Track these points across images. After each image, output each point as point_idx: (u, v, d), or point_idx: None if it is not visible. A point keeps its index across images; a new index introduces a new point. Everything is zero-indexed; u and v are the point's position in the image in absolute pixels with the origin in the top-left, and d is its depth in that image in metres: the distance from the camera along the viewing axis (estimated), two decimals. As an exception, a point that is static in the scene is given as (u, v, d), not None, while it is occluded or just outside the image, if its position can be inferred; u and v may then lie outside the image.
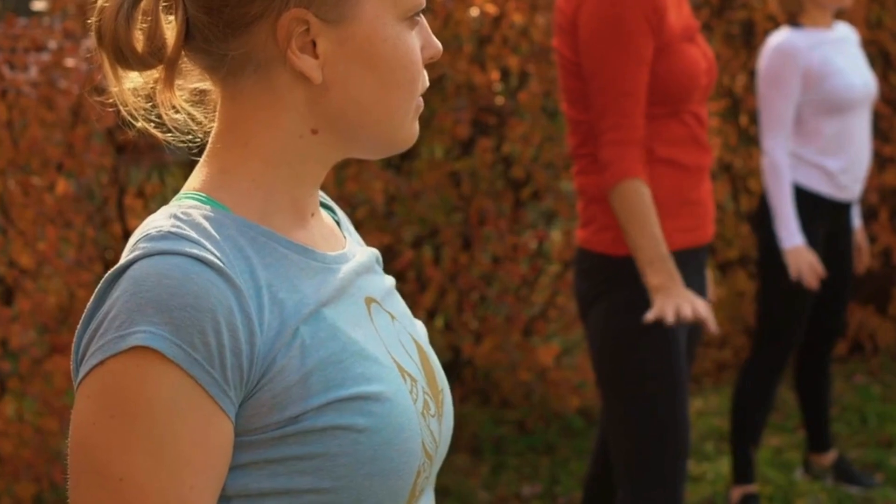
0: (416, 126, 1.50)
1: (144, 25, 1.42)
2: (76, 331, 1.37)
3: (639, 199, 3.21)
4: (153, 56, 1.43)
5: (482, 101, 5.15)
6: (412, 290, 5.17)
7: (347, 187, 4.87)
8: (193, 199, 1.42)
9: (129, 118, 1.50)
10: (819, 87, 4.48)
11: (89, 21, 1.45)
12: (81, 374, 1.33)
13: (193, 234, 1.34)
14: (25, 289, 4.48)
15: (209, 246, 1.34)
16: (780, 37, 4.53)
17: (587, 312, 3.39)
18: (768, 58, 4.49)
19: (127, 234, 5.01)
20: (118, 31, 1.41)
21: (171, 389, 1.30)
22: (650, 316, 3.23)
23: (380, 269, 1.60)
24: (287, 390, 1.35)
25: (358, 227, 4.99)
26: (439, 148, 5.23)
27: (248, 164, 1.44)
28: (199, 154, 1.51)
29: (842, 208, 4.63)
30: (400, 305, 1.58)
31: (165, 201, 5.41)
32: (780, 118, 4.45)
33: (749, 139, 5.62)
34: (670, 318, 3.21)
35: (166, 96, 1.48)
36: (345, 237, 1.56)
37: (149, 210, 5.08)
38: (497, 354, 5.29)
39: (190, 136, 1.52)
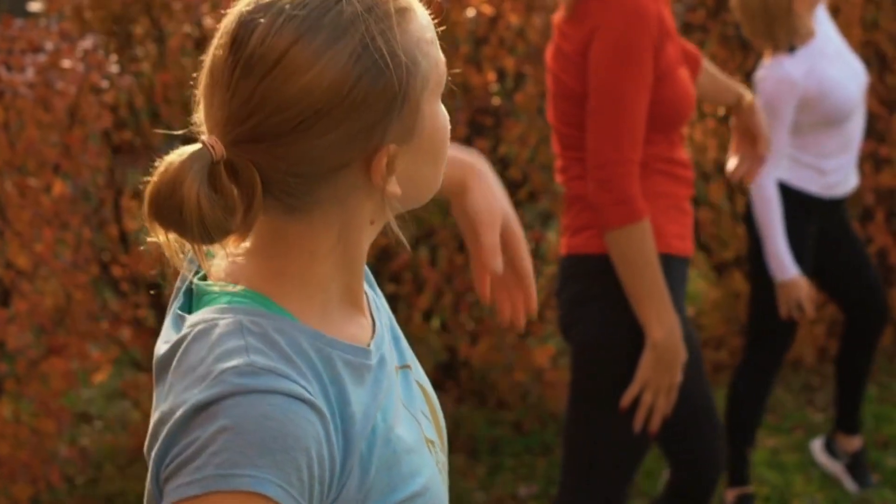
0: None
1: (224, 205, 1.43)
2: (155, 444, 1.40)
3: (645, 244, 3.15)
4: (234, 227, 1.45)
5: (478, 102, 5.15)
6: (409, 291, 5.17)
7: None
8: (251, 301, 1.45)
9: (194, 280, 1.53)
10: (819, 107, 4.49)
11: (151, 210, 1.43)
12: (174, 498, 1.37)
13: (280, 366, 1.39)
14: (22, 290, 4.48)
15: (294, 375, 1.39)
16: (775, 64, 4.51)
17: (577, 315, 3.33)
18: (765, 86, 4.48)
19: (123, 236, 5.01)
20: (204, 215, 1.41)
21: None
22: (627, 399, 3.22)
23: (383, 308, 1.65)
24: None
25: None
26: (436, 149, 5.23)
27: (312, 270, 1.48)
28: None
29: (833, 205, 4.64)
30: (407, 348, 1.65)
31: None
32: (775, 148, 4.46)
33: (745, 140, 5.62)
34: (642, 415, 3.23)
35: (229, 247, 1.50)
36: (367, 300, 1.61)
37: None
38: (493, 355, 5.29)
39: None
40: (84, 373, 5.02)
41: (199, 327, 1.42)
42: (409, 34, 1.46)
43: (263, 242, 1.49)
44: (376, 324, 1.58)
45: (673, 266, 3.28)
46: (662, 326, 3.17)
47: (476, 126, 5.22)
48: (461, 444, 5.26)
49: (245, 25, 1.42)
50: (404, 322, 5.08)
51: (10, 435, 4.40)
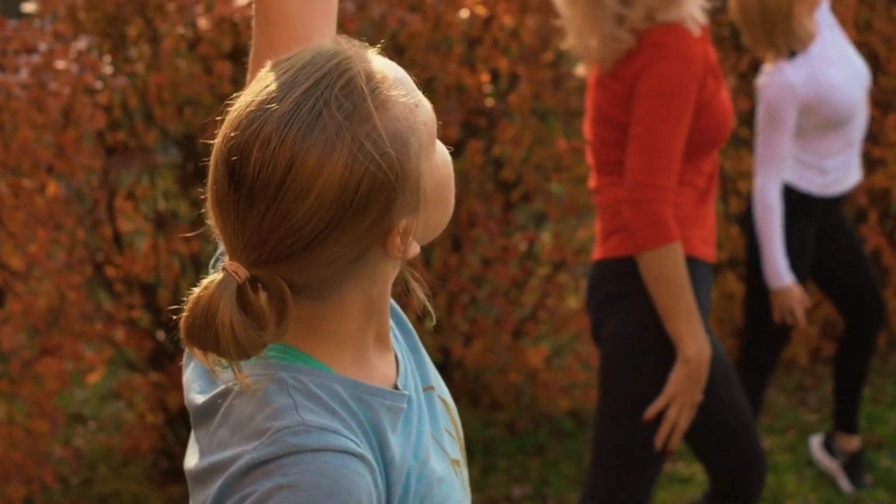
0: None
1: (257, 324, 1.48)
2: (205, 489, 1.47)
3: (678, 264, 3.26)
4: (268, 339, 1.50)
5: (472, 103, 5.15)
6: (402, 291, 5.17)
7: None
8: (290, 356, 1.52)
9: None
10: (820, 111, 4.50)
11: (188, 336, 1.49)
12: None
13: (328, 423, 1.46)
14: (16, 291, 4.48)
15: (343, 429, 1.47)
16: (776, 71, 4.51)
17: (606, 314, 3.40)
18: (767, 93, 4.49)
19: (117, 237, 5.01)
20: (239, 339, 1.46)
21: None
22: (652, 412, 3.31)
23: (405, 324, 1.75)
24: None
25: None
26: (429, 150, 5.23)
27: (342, 322, 1.55)
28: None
29: (831, 204, 4.65)
30: (430, 365, 1.73)
31: (155, 204, 5.35)
32: (776, 153, 4.47)
33: (739, 142, 5.63)
34: (664, 433, 3.31)
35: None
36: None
37: (139, 212, 5.08)
38: (487, 356, 5.30)
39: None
40: (78, 373, 5.02)
41: (239, 387, 1.50)
42: (393, 122, 1.50)
43: (295, 316, 1.53)
44: (398, 356, 1.64)
45: (699, 270, 3.38)
46: (695, 343, 3.26)
47: (470, 127, 5.22)
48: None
49: (239, 159, 1.46)
50: (398, 323, 5.08)
51: (4, 435, 4.40)
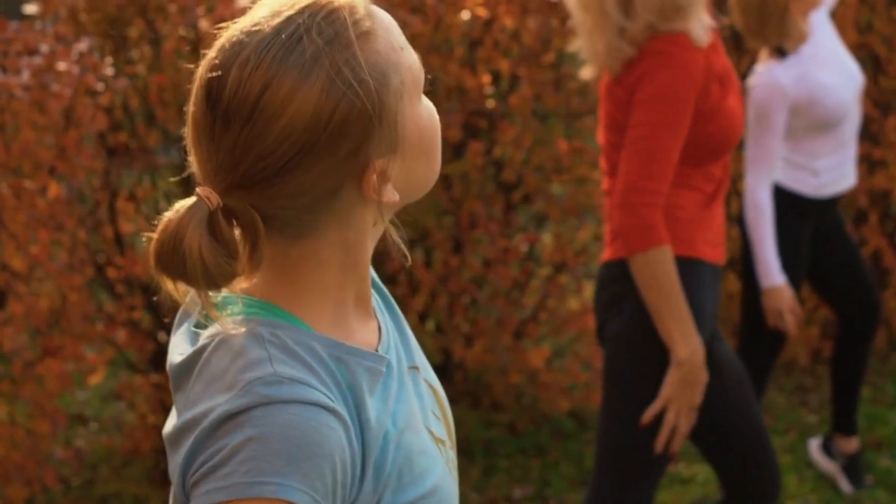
0: None
1: (227, 252, 1.47)
2: (179, 449, 1.45)
3: (667, 267, 3.27)
4: (237, 269, 1.49)
5: (473, 105, 5.16)
6: (403, 293, 5.18)
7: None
8: (265, 312, 1.50)
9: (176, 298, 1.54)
10: (810, 112, 4.50)
11: (157, 262, 1.47)
12: (200, 502, 1.42)
13: (302, 375, 1.44)
14: (17, 292, 4.49)
15: (317, 384, 1.44)
16: (766, 71, 4.52)
17: (610, 315, 3.41)
18: (756, 94, 4.49)
19: (118, 238, 5.02)
20: (208, 265, 1.45)
21: None
22: (648, 416, 3.31)
23: (392, 304, 1.70)
24: None
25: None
26: (430, 151, 5.24)
27: (320, 277, 1.52)
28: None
29: (826, 205, 4.65)
30: (416, 348, 1.69)
31: (157, 204, 5.34)
32: (767, 154, 4.47)
33: (740, 143, 5.63)
34: (664, 437, 3.32)
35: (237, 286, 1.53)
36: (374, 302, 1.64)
37: (141, 213, 5.08)
38: (488, 357, 5.30)
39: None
40: (79, 374, 5.02)
41: (219, 337, 1.48)
42: (374, 54, 1.49)
43: (272, 261, 1.53)
44: (381, 326, 1.61)
45: (704, 272, 3.39)
46: (687, 345, 3.27)
47: (470, 128, 5.23)
48: (456, 446, 5.27)
49: (216, 79, 1.46)
50: (399, 324, 5.08)
51: (6, 436, 4.40)
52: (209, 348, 1.48)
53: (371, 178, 1.48)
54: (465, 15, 5.02)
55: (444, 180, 5.23)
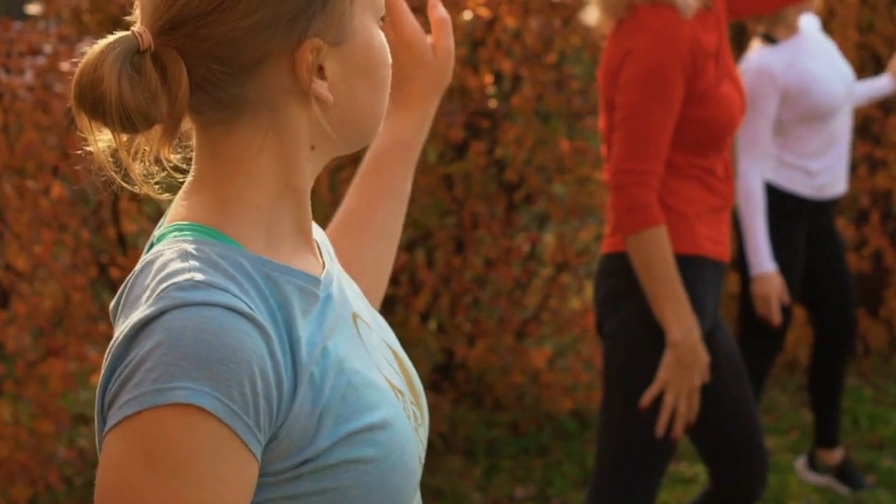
0: None
1: (146, 87, 1.40)
2: (102, 371, 1.38)
3: (661, 249, 3.25)
4: (158, 115, 1.42)
5: (475, 105, 5.17)
6: (406, 292, 5.19)
7: (341, 191, 4.89)
8: (197, 232, 1.43)
9: (124, 183, 1.50)
10: (800, 101, 4.51)
11: (75, 96, 1.41)
12: (114, 419, 1.34)
13: (221, 282, 1.36)
14: (21, 292, 4.50)
15: (237, 292, 1.36)
16: (757, 56, 4.54)
17: (609, 311, 3.39)
18: (747, 77, 4.50)
19: (121, 238, 5.03)
20: (124, 97, 1.39)
21: (210, 441, 1.32)
22: (647, 399, 3.28)
23: (336, 260, 1.61)
24: (303, 433, 1.38)
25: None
26: (432, 151, 5.25)
27: (253, 195, 1.45)
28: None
29: (822, 208, 4.66)
30: (371, 310, 1.61)
31: (159, 205, 5.36)
32: (757, 139, 4.47)
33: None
34: (663, 421, 3.29)
35: (161, 151, 1.46)
36: (316, 243, 1.57)
37: (143, 213, 5.09)
38: (490, 357, 5.31)
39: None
40: (82, 374, 5.03)
41: (145, 261, 1.41)
42: None
43: (204, 169, 1.46)
44: (327, 266, 1.53)
45: (706, 268, 3.35)
46: (681, 326, 3.24)
47: (473, 128, 5.24)
48: (458, 446, 5.28)
49: None
50: (401, 324, 5.10)
51: (9, 436, 4.41)
52: (135, 273, 1.41)
53: (305, 54, 1.41)
54: (468, 15, 5.03)
55: (447, 180, 5.24)
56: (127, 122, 1.40)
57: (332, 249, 1.61)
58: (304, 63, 1.42)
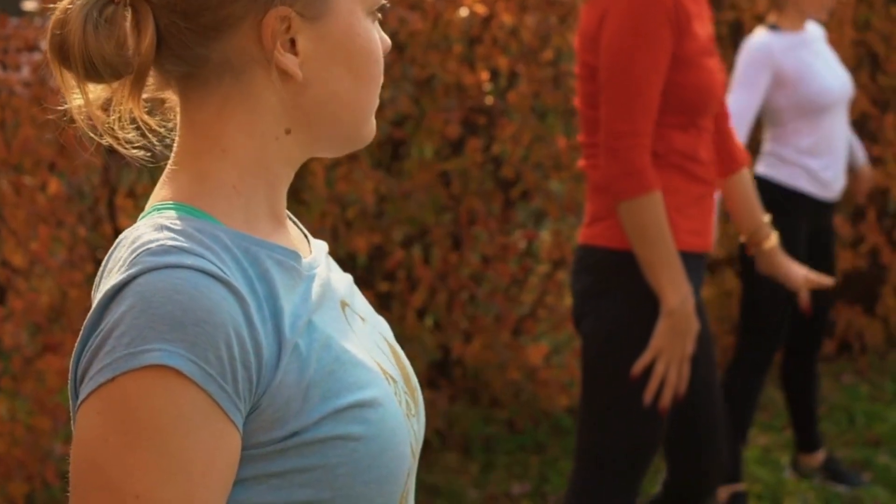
0: (374, 122, 1.51)
1: (112, 35, 1.38)
2: (75, 347, 1.35)
3: (656, 215, 3.17)
4: (123, 66, 1.40)
5: (472, 102, 5.17)
6: (402, 289, 5.19)
7: (338, 187, 4.89)
8: (175, 209, 1.40)
9: (93, 134, 1.47)
10: (795, 90, 4.53)
11: (48, 41, 1.40)
12: (87, 391, 1.31)
13: (196, 248, 1.33)
14: (18, 288, 4.50)
15: (210, 256, 1.33)
16: (756, 38, 4.61)
17: (588, 309, 3.32)
18: (745, 53, 4.60)
19: (118, 234, 5.02)
20: (88, 42, 1.37)
21: (187, 406, 1.29)
22: (639, 367, 3.21)
23: (335, 264, 1.59)
24: (287, 404, 1.35)
25: (349, 226, 5.01)
26: (429, 148, 5.25)
27: (227, 171, 1.42)
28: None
29: (823, 207, 4.66)
30: (365, 304, 1.59)
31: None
32: (740, 113, 4.46)
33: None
34: (652, 388, 3.22)
35: (129, 108, 1.45)
36: (305, 236, 1.55)
37: (140, 209, 5.09)
38: (486, 354, 5.31)
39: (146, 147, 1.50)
40: (79, 371, 5.03)
41: (122, 237, 1.39)
42: None
43: (183, 144, 1.44)
44: (314, 253, 1.51)
45: (687, 263, 3.27)
46: (677, 293, 3.18)
47: (469, 125, 5.24)
48: (454, 442, 5.28)
49: None
50: (398, 321, 5.10)
51: (6, 433, 4.41)
52: (111, 251, 1.39)
53: (271, 21, 1.38)
54: (464, 12, 5.03)
55: (443, 177, 5.25)
56: (91, 68, 1.38)
57: (332, 262, 1.58)
58: (269, 29, 1.39)
